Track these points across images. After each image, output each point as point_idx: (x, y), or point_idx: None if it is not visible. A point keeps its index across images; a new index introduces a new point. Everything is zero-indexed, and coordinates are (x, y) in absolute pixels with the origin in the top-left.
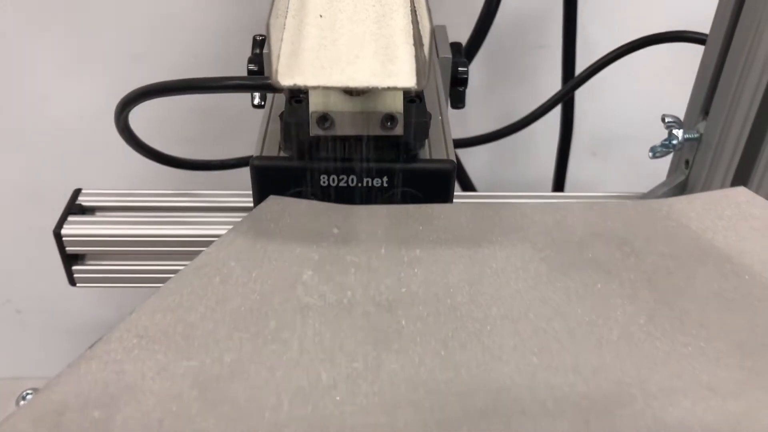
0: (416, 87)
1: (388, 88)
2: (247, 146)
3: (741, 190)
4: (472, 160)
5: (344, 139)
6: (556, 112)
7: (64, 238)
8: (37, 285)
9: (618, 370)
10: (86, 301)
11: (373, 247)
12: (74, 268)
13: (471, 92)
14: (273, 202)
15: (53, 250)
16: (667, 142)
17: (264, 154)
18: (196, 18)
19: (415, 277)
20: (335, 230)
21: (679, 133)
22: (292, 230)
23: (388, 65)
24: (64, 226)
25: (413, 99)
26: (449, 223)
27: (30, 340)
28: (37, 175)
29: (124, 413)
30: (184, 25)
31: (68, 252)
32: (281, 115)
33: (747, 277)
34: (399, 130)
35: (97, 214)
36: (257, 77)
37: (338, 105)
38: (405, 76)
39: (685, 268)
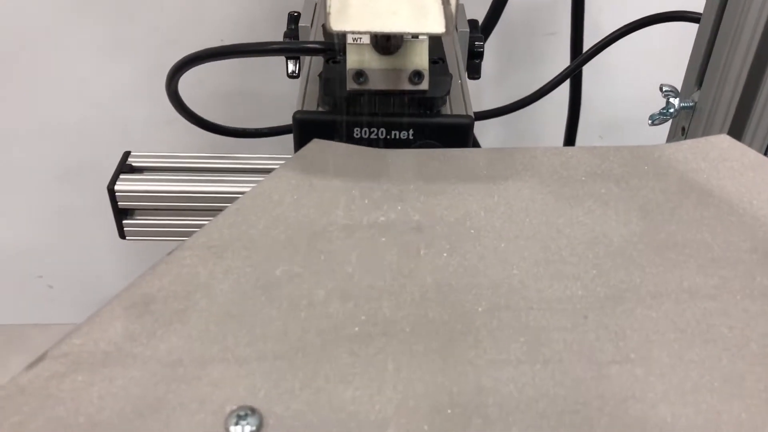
0: (445, 33)
1: (422, 35)
2: (277, 120)
3: (723, 137)
4: (483, 141)
5: (375, 94)
6: (565, 97)
7: (116, 194)
8: (68, 261)
9: (613, 278)
10: (115, 276)
11: (403, 181)
12: (124, 222)
13: (484, 77)
14: (316, 144)
15: (84, 228)
16: (664, 111)
17: (304, 109)
18: (225, 6)
19: (438, 205)
20: (370, 167)
21: (675, 101)
22: (333, 167)
23: (421, 18)
24: (117, 182)
25: (436, 61)
26: (468, 164)
27: (61, 315)
28: (72, 155)
29: (200, 305)
30: (214, 12)
31: (120, 207)
32: (320, 75)
33: (725, 207)
34: (425, 85)
35: (145, 173)
36: (296, 41)
37: (372, 63)
38: (436, 25)
39: (672, 200)
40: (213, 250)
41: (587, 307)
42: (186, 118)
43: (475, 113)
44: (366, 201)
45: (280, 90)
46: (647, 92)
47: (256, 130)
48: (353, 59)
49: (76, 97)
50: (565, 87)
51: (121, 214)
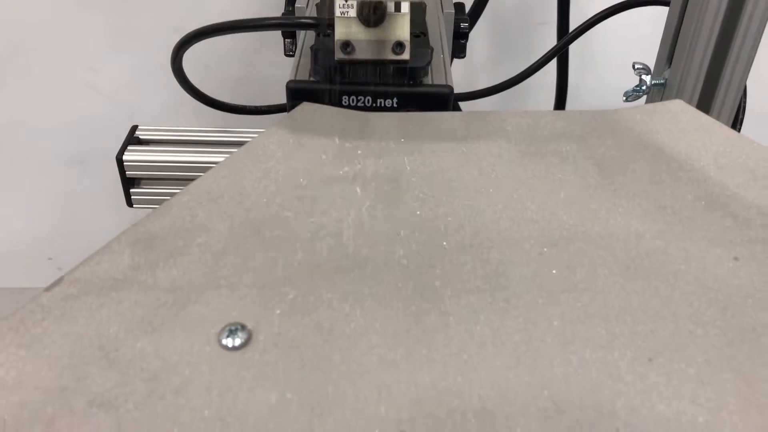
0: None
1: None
2: (275, 100)
3: (677, 102)
4: None
5: (362, 63)
6: (552, 83)
7: (124, 163)
8: (77, 245)
9: (567, 222)
10: None
11: (383, 139)
12: (132, 190)
13: (477, 67)
14: (305, 106)
15: (92, 213)
16: (637, 88)
17: (297, 79)
18: None
19: (415, 161)
20: (354, 127)
21: (647, 78)
22: (320, 126)
23: None
24: (125, 153)
25: (418, 35)
26: (444, 125)
27: None
28: (81, 143)
29: (197, 242)
30: (220, 1)
31: (128, 176)
32: (311, 47)
33: (675, 163)
34: (406, 55)
35: (152, 145)
36: (290, 17)
37: (358, 34)
38: None
39: (626, 156)
40: (210, 196)
41: (543, 245)
42: (190, 94)
43: (462, 93)
44: (349, 156)
45: (281, 75)
46: (634, 81)
47: (257, 107)
48: (341, 31)
49: (84, 86)
50: (554, 76)
51: (128, 183)
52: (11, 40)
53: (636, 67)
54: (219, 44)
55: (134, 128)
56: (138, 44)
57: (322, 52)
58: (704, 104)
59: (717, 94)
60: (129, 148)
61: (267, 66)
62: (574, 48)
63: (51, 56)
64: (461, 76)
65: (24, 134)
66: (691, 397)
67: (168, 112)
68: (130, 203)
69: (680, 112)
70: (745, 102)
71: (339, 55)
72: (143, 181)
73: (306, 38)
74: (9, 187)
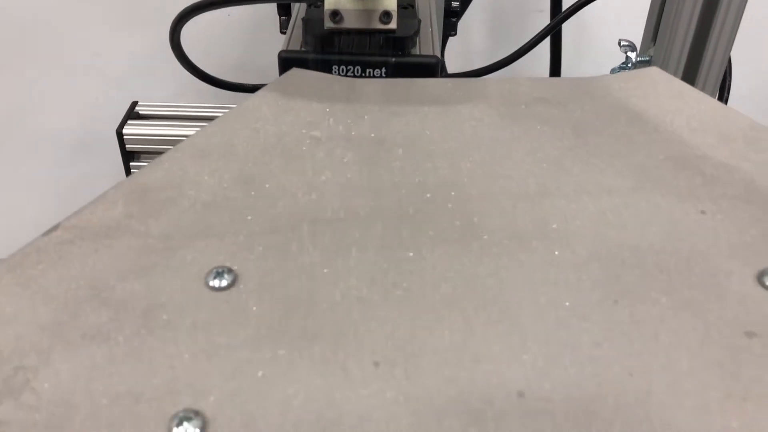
0: None
1: None
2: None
3: (654, 69)
4: None
5: (351, 33)
6: (545, 70)
7: (124, 137)
8: None
9: (542, 178)
10: None
11: (369, 103)
12: (131, 164)
13: (474, 52)
14: (295, 72)
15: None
16: (624, 64)
17: (289, 49)
18: None
19: (398, 122)
20: (341, 92)
21: (633, 55)
22: (309, 91)
23: None
24: (125, 127)
25: (406, 6)
26: (428, 90)
27: None
28: (86, 127)
29: (188, 195)
30: None
31: (127, 149)
32: (303, 18)
33: (649, 126)
34: (393, 25)
35: (151, 119)
36: None
37: (347, 4)
38: None
39: (603, 119)
40: (200, 153)
41: (517, 199)
42: (188, 70)
43: (453, 74)
44: (335, 118)
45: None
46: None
47: (254, 85)
48: (330, 0)
49: (89, 71)
50: (547, 62)
51: (128, 156)
52: (15, 26)
53: (622, 44)
54: (218, 30)
55: (134, 104)
56: (143, 29)
57: (312, 22)
58: (688, 80)
59: (700, 70)
60: (129, 122)
61: (265, 51)
62: (567, 34)
63: (55, 41)
64: (456, 64)
65: (28, 119)
66: (652, 334)
67: (174, 96)
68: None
69: (657, 78)
70: (730, 82)
71: (328, 23)
72: (143, 155)
73: (299, 12)
74: (12, 173)
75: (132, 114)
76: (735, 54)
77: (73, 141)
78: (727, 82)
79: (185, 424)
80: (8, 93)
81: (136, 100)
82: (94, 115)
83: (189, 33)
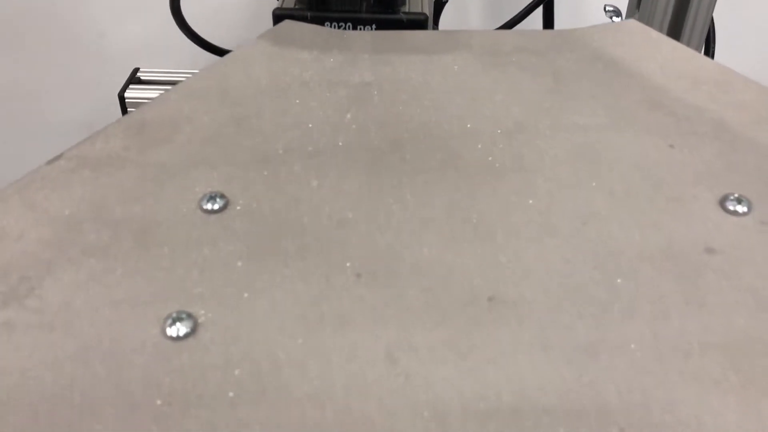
0: None
1: None
2: None
3: (632, 22)
4: None
5: None
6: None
7: (126, 101)
8: None
9: (519, 117)
10: None
11: (358, 52)
12: None
13: (469, 25)
14: (287, 23)
15: None
16: None
17: (283, 7)
18: None
19: (386, 70)
20: (331, 42)
21: (617, 20)
22: (300, 41)
23: None
24: (126, 91)
25: None
26: (414, 41)
27: None
28: (92, 107)
29: (184, 131)
30: None
31: (129, 112)
32: None
33: (625, 72)
34: None
35: (152, 85)
36: None
37: None
38: None
39: (582, 67)
40: (195, 95)
41: (496, 134)
42: (189, 37)
43: None
44: (325, 65)
45: None
46: None
47: None
48: None
49: (94, 51)
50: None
51: None
52: (17, 7)
53: (607, 9)
54: (224, 6)
55: (136, 70)
56: (147, 8)
57: None
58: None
59: (683, 35)
60: (131, 86)
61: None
62: (559, 4)
63: (60, 21)
64: None
65: (33, 99)
66: (617, 250)
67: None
68: None
69: (634, 29)
70: (713, 47)
71: None
72: None
73: None
74: (16, 153)
75: (134, 79)
76: (717, 17)
77: (79, 120)
78: (711, 48)
79: (177, 324)
80: (7, 74)
81: (137, 67)
82: (100, 94)
83: (190, 11)
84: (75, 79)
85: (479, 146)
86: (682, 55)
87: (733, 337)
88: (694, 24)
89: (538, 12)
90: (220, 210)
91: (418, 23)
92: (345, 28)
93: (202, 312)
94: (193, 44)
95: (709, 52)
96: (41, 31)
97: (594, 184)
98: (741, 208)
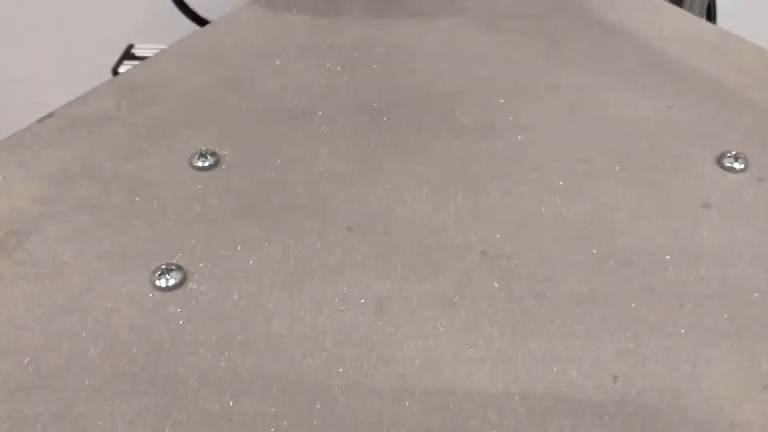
0: None
1: None
2: None
3: None
4: None
5: None
6: None
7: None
8: None
9: (517, 77)
10: None
11: (352, 16)
12: None
13: None
14: None
15: None
16: None
17: None
18: None
19: (380, 33)
20: (325, 6)
21: None
22: (294, 4)
23: None
24: (120, 66)
25: None
26: (410, 5)
27: None
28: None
29: (175, 92)
30: None
31: None
32: None
33: (622, 35)
34: None
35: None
36: None
37: None
38: None
39: (579, 31)
40: (186, 57)
41: (491, 95)
42: (183, 12)
43: None
44: (318, 29)
45: None
46: None
47: None
48: None
49: (89, 33)
50: None
51: None
52: None
53: None
54: None
55: (131, 46)
56: None
57: None
58: None
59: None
60: (125, 62)
61: None
62: None
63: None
64: None
65: (36, 85)
66: (613, 204)
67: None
68: None
69: None
70: (715, 11)
71: None
72: None
73: None
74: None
75: (128, 55)
76: None
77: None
78: (713, 15)
79: (167, 275)
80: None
81: (132, 43)
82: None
83: None
84: (64, 56)
85: (474, 106)
86: (681, 17)
87: (727, 288)
88: None
89: None
90: (211, 167)
91: None
92: None
93: (192, 264)
94: (189, 21)
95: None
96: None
97: (591, 141)
98: (738, 165)
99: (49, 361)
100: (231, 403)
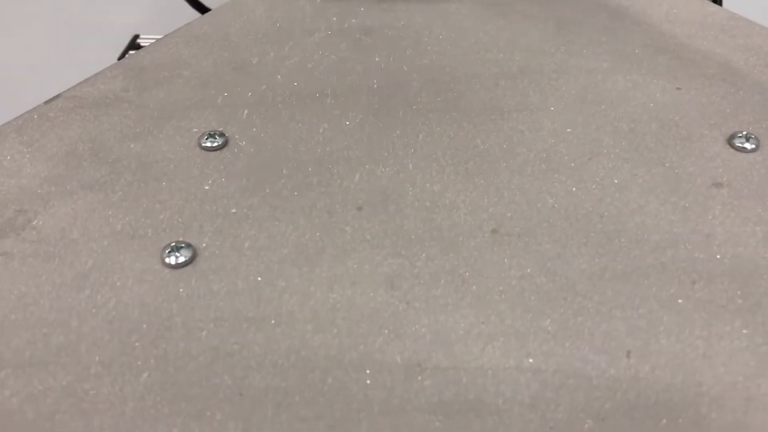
0: None
1: None
2: None
3: None
4: None
5: None
6: None
7: None
8: None
9: (525, 60)
10: None
11: (363, 0)
12: None
13: None
14: None
15: None
16: None
17: None
18: None
19: (387, 17)
20: None
21: None
22: None
23: None
24: (125, 57)
25: None
26: None
27: None
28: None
29: (183, 75)
30: None
31: None
32: None
33: (629, 20)
34: None
35: None
36: None
37: None
38: None
39: (586, 15)
40: (195, 40)
41: (499, 78)
42: (189, 3)
43: None
44: (326, 13)
45: None
46: None
47: None
48: None
49: (102, 27)
50: None
51: None
52: None
53: None
54: None
55: (136, 36)
56: None
57: None
58: None
59: None
60: (129, 52)
61: None
62: None
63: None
64: None
65: (37, 78)
66: (623, 184)
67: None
68: None
69: None
70: None
71: None
72: None
73: None
74: None
75: (133, 45)
76: None
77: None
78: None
79: (176, 253)
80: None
81: (137, 33)
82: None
83: None
84: (73, 49)
85: (483, 89)
86: (689, 1)
87: (740, 266)
88: None
89: None
90: (220, 147)
91: None
92: None
93: (202, 242)
94: (194, 11)
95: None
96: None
97: (599, 122)
98: (749, 145)
99: (58, 337)
100: (242, 379)
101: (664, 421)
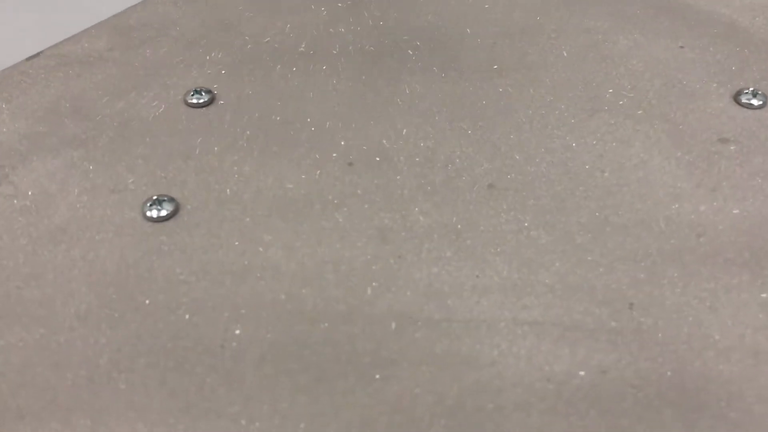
0: None
1: None
2: None
3: None
4: None
5: None
6: None
7: None
8: None
9: (525, 20)
10: None
11: None
12: None
13: None
14: None
15: None
16: None
17: None
18: None
19: None
20: None
21: None
22: None
23: None
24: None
25: None
26: None
27: None
28: None
29: (171, 34)
30: None
31: None
32: None
33: None
34: None
35: None
36: None
37: None
38: None
39: None
40: (179, 4)
41: (497, 37)
42: None
43: None
44: None
45: None
46: None
47: None
48: None
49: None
50: None
51: None
52: None
53: None
54: None
55: None
56: None
57: None
58: None
59: None
60: None
61: None
62: None
63: None
64: None
65: None
66: (625, 140)
67: None
68: None
69: None
70: None
71: None
72: None
73: None
74: None
75: None
76: None
77: None
78: None
79: (158, 206)
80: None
81: None
82: None
83: None
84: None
85: (480, 49)
86: None
87: (746, 219)
88: None
89: None
90: (206, 104)
91: None
92: None
93: (185, 197)
94: None
95: None
96: None
97: (600, 80)
98: (756, 102)
99: (32, 291)
100: (224, 331)
101: (669, 373)
